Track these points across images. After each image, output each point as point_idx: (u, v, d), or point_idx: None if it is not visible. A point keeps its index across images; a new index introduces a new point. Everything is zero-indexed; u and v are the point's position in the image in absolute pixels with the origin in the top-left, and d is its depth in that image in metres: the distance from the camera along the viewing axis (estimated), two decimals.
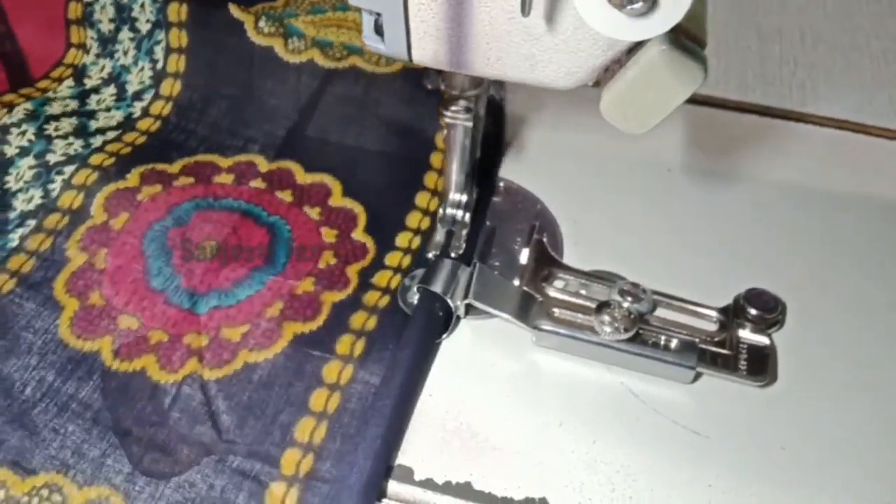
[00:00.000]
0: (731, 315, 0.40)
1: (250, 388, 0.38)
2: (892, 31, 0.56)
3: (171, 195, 0.45)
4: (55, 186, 0.46)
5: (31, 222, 0.45)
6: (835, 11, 0.57)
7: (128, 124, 0.50)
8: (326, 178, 0.47)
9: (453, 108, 0.38)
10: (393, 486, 0.35)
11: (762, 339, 0.39)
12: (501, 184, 0.47)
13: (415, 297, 0.40)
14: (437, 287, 0.39)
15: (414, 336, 0.38)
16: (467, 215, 0.43)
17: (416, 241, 0.44)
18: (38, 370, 0.38)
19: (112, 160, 0.47)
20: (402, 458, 0.36)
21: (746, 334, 0.39)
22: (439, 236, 0.43)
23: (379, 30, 0.32)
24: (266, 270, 0.42)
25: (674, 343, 0.38)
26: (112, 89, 0.51)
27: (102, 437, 0.36)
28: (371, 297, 0.41)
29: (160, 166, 0.47)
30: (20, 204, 0.46)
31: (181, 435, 0.36)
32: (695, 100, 0.49)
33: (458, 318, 0.40)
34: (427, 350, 0.39)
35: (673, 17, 0.25)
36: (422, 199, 0.46)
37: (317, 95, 0.49)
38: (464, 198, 0.42)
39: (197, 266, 0.42)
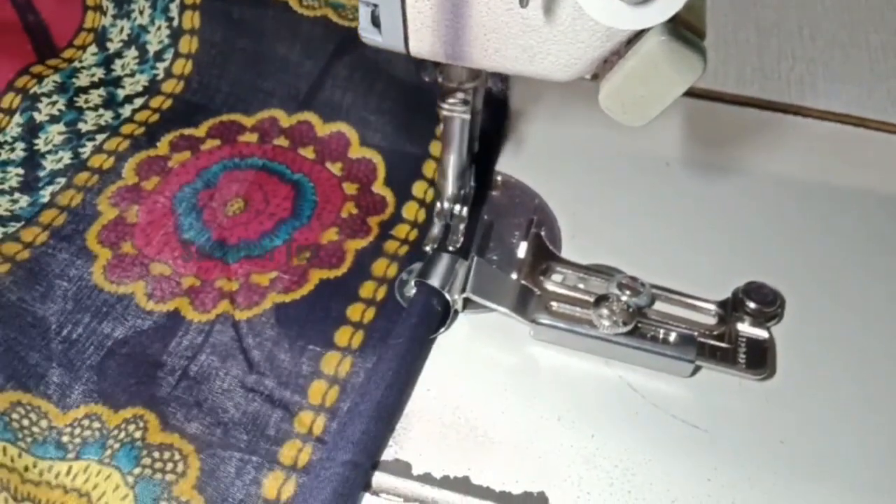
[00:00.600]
0: (730, 308, 0.39)
1: (279, 326, 0.40)
2: (890, 24, 0.56)
3: (200, 159, 0.47)
4: (85, 150, 0.48)
5: (61, 180, 0.46)
6: (833, 5, 0.57)
7: (153, 88, 0.51)
8: (344, 128, 0.48)
9: (451, 100, 0.37)
10: (391, 481, 0.35)
11: (761, 333, 0.39)
12: (499, 177, 0.47)
13: (412, 291, 0.40)
14: (435, 281, 0.39)
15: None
16: (465, 209, 0.43)
17: (431, 193, 0.46)
18: (74, 314, 0.40)
19: (142, 129, 0.49)
20: (400, 452, 0.36)
21: (745, 328, 0.39)
22: (437, 230, 0.42)
23: (376, 21, 0.32)
24: (291, 223, 0.44)
25: (672, 337, 0.38)
26: (134, 51, 0.52)
27: (138, 369, 0.38)
28: (391, 246, 0.43)
29: (187, 131, 0.49)
30: (49, 164, 0.47)
31: (214, 367, 0.38)
32: (693, 93, 0.49)
33: (456, 312, 0.40)
34: (422, 344, 0.39)
35: (673, 6, 0.25)
36: (435, 147, 0.48)
37: (331, 49, 0.49)
38: (461, 191, 0.42)
39: (226, 221, 0.44)
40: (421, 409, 0.37)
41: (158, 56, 0.52)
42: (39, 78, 0.50)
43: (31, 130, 0.48)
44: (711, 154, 0.48)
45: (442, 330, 0.40)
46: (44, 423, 0.36)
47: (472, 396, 0.38)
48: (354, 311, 0.40)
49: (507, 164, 0.47)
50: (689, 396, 0.38)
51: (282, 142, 0.48)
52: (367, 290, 0.41)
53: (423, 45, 0.32)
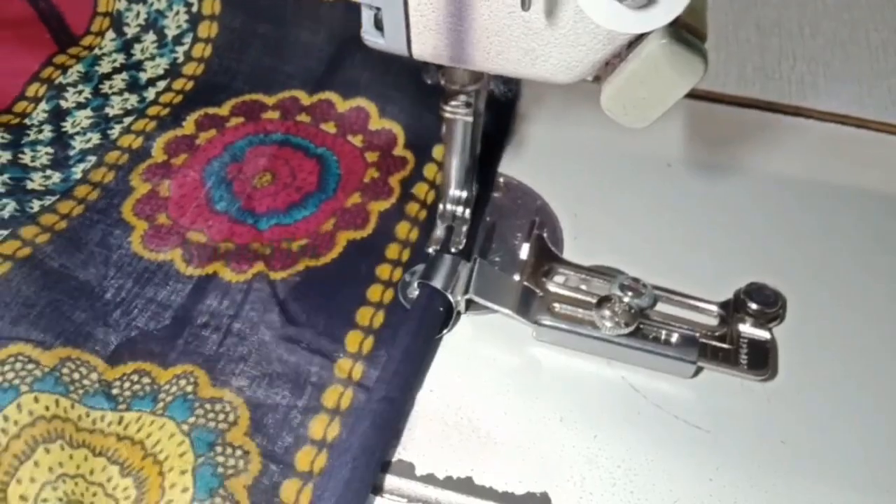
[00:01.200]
0: (732, 309, 0.40)
1: (313, 284, 0.41)
2: (890, 22, 0.56)
3: (226, 136, 0.49)
4: (114, 132, 0.49)
5: (92, 158, 0.47)
6: (833, 3, 0.57)
7: (174, 71, 0.52)
8: (363, 102, 0.49)
9: (453, 102, 0.37)
10: (394, 482, 0.35)
11: (763, 334, 0.39)
12: (501, 179, 0.47)
13: (415, 293, 0.40)
14: (438, 282, 0.39)
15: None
16: (467, 211, 0.43)
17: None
18: (117, 279, 0.41)
19: (167, 110, 0.50)
20: (403, 453, 0.36)
21: (747, 329, 0.39)
22: (439, 232, 0.43)
23: (378, 24, 0.32)
24: (318, 196, 0.45)
25: (674, 338, 0.38)
26: (152, 36, 0.53)
27: (182, 329, 0.39)
28: (412, 208, 0.45)
29: (211, 111, 0.50)
30: (78, 144, 0.48)
31: (254, 322, 0.40)
32: (694, 94, 0.49)
33: (459, 313, 0.40)
34: (427, 345, 0.39)
35: (674, 10, 0.25)
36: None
37: (350, 31, 0.49)
38: (464, 193, 0.42)
39: (255, 192, 0.45)
40: (424, 409, 0.37)
41: (177, 40, 0.53)
42: (64, 69, 0.51)
43: (58, 115, 0.50)
44: (713, 155, 0.48)
45: (445, 331, 0.40)
46: (93, 377, 0.37)
47: (475, 397, 0.38)
48: (383, 271, 0.42)
49: (510, 166, 0.47)
50: (691, 397, 0.38)
51: (303, 118, 0.49)
52: (392, 251, 0.43)
53: (426, 47, 0.32)
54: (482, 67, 0.32)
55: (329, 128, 0.49)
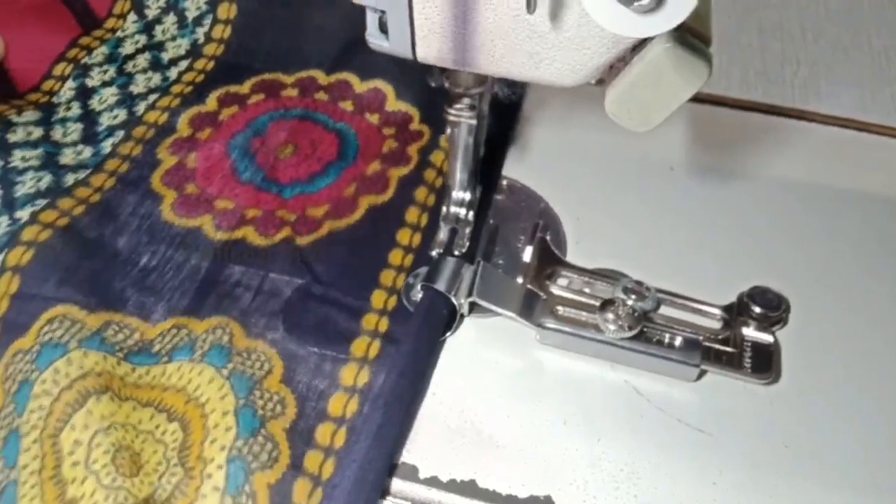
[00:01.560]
0: (735, 313, 0.40)
1: (337, 246, 0.43)
2: (893, 27, 0.56)
3: (248, 112, 0.50)
4: (139, 108, 0.51)
5: (120, 133, 0.49)
6: (836, 7, 0.57)
7: (195, 51, 0.54)
8: (380, 84, 0.51)
9: (457, 105, 0.37)
10: (397, 485, 0.35)
11: (766, 337, 0.39)
12: (504, 182, 0.47)
13: (418, 296, 0.40)
14: (441, 285, 0.39)
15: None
16: (471, 213, 0.43)
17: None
18: (150, 245, 0.43)
19: (190, 88, 0.52)
20: (407, 456, 0.36)
21: (750, 332, 0.39)
22: (443, 234, 0.43)
23: (383, 27, 0.32)
24: (339, 165, 0.47)
25: (678, 341, 0.38)
26: (173, 17, 0.55)
27: (214, 288, 0.41)
28: (430, 174, 0.47)
29: (233, 89, 0.52)
30: (106, 120, 0.50)
31: (284, 281, 0.41)
32: (697, 98, 0.49)
33: (462, 316, 0.40)
34: (432, 349, 0.39)
35: (679, 15, 0.25)
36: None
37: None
38: (467, 196, 0.42)
39: (278, 163, 0.47)
40: (427, 413, 0.37)
41: (198, 21, 0.55)
42: (89, 50, 0.54)
43: (85, 93, 0.51)
44: (716, 158, 0.48)
45: (448, 334, 0.40)
46: (135, 337, 0.39)
47: (478, 400, 0.38)
48: (403, 235, 0.44)
49: (513, 169, 0.47)
50: (694, 400, 0.38)
51: (321, 96, 0.51)
52: (412, 215, 0.45)
53: (431, 50, 0.32)
54: (486, 70, 0.32)
55: (347, 106, 0.50)
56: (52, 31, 0.54)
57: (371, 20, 0.32)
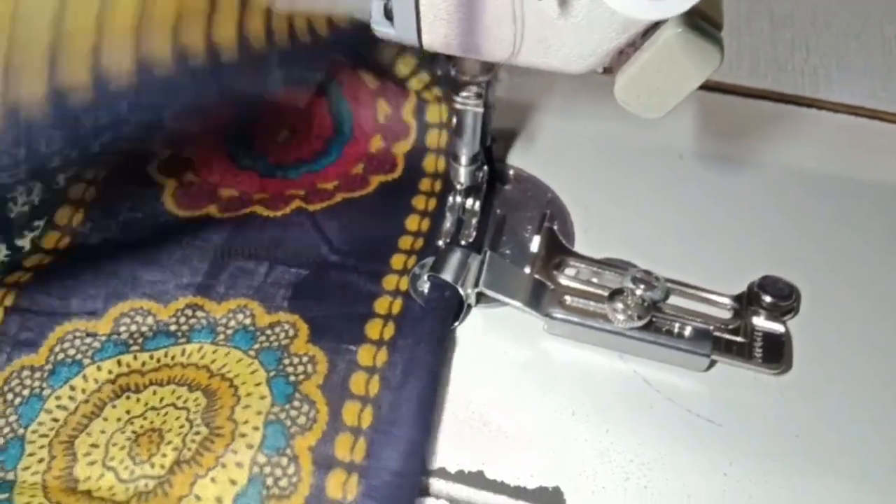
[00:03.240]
0: (746, 302, 0.39)
1: (352, 214, 0.43)
2: None
3: None
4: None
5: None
6: None
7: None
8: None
9: (464, 93, 0.37)
10: None
11: (777, 327, 0.38)
12: (511, 171, 0.46)
13: (425, 286, 0.40)
14: (448, 275, 0.39)
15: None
16: (477, 203, 0.42)
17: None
18: (156, 236, 0.42)
19: None
20: None
21: (761, 322, 0.39)
22: (449, 224, 0.42)
23: (389, 14, 0.31)
24: (339, 140, 0.46)
25: (688, 331, 0.38)
26: None
27: (228, 263, 0.41)
28: (432, 139, 0.46)
29: None
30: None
31: (299, 250, 0.41)
32: (706, 85, 0.48)
33: (469, 306, 0.40)
34: (444, 338, 0.39)
35: None
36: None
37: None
38: (474, 185, 0.42)
39: (277, 147, 0.46)
40: (435, 403, 0.37)
41: None
42: None
43: None
44: (725, 146, 0.48)
45: (455, 324, 0.40)
46: (150, 321, 0.39)
47: (486, 391, 0.38)
48: (419, 201, 0.44)
49: (520, 158, 0.47)
50: (704, 391, 0.38)
51: None
52: (425, 184, 0.45)
53: (437, 37, 0.31)
54: (493, 58, 0.31)
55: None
56: None
57: (376, 7, 0.31)
